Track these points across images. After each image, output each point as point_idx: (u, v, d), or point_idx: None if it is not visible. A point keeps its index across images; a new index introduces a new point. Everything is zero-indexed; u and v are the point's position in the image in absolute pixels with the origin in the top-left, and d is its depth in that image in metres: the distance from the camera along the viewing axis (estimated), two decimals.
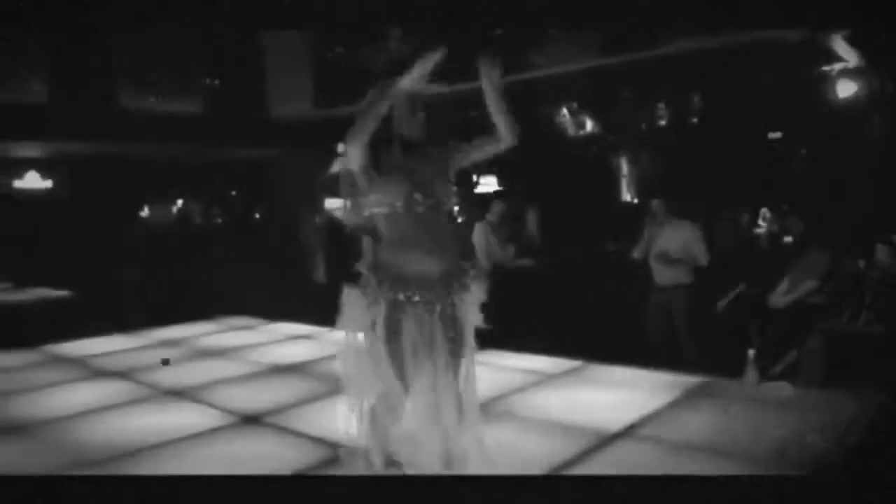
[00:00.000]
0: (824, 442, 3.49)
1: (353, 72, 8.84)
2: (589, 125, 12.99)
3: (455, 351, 2.71)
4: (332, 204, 10.46)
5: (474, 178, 13.71)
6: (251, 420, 4.19)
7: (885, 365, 4.99)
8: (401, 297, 2.64)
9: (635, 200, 14.24)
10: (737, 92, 8.84)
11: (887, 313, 5.41)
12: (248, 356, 5.95)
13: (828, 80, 6.44)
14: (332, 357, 5.58)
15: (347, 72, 8.85)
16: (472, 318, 2.76)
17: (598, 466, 3.28)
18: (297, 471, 3.36)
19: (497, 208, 7.79)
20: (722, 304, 6.17)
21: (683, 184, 10.91)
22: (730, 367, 4.94)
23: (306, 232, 10.37)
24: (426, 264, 2.65)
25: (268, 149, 8.82)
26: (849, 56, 6.03)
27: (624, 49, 7.66)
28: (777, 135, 10.59)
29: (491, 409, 4.02)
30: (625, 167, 15.00)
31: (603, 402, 4.28)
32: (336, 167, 8.97)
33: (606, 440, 3.60)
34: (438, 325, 2.65)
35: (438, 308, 2.67)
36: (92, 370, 5.59)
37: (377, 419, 2.74)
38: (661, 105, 12.16)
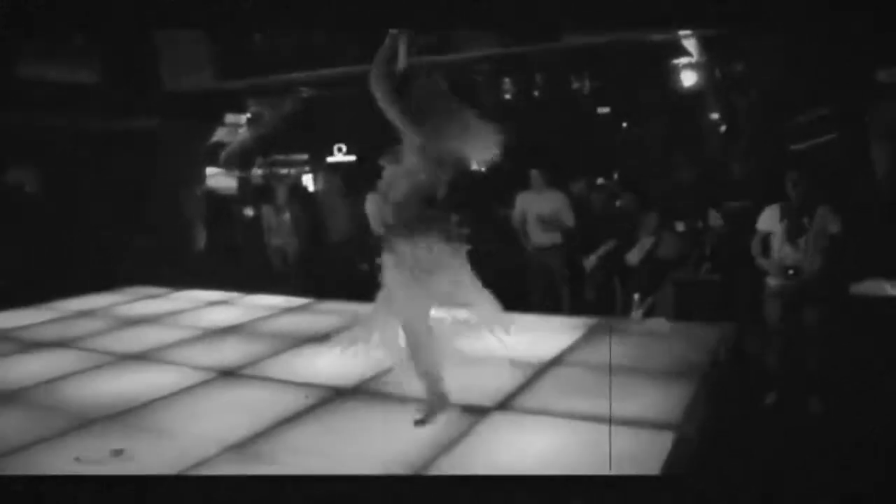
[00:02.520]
0: (703, 357, 4.62)
1: (256, 45, 9.05)
2: None
3: None
4: (213, 173, 10.60)
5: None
6: (229, 374, 4.65)
7: (722, 304, 6.37)
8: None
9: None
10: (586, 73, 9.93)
11: (723, 264, 6.79)
12: (180, 322, 6.25)
13: (675, 71, 7.77)
14: (263, 318, 6.17)
15: (250, 45, 9.04)
16: None
17: (546, 387, 4.15)
18: (285, 420, 3.78)
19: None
20: (590, 261, 7.29)
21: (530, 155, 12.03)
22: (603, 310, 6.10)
23: (188, 202, 10.41)
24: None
25: (154, 118, 8.84)
26: (694, 52, 7.33)
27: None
28: (606, 109, 11.91)
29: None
30: None
31: (527, 341, 5.15)
32: (220, 136, 9.47)
33: (544, 368, 4.50)
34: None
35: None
36: (25, 343, 5.63)
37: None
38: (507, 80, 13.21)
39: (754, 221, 5.24)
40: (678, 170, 7.37)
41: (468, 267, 3.51)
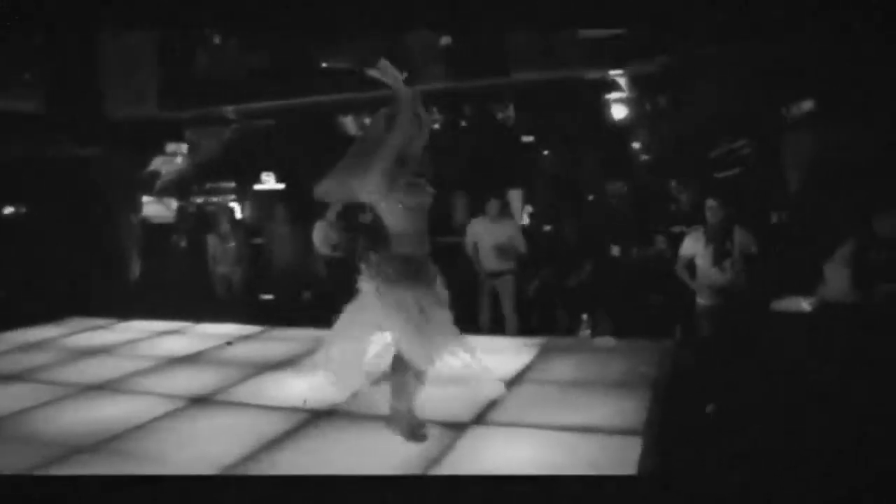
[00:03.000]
0: (650, 369, 5.01)
1: (199, 76, 9.10)
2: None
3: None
4: (149, 202, 10.47)
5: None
6: (200, 401, 4.71)
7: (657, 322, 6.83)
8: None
9: None
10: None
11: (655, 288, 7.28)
12: (135, 352, 6.21)
13: (606, 105, 8.33)
14: (219, 347, 6.21)
15: (193, 75, 9.09)
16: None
17: (514, 403, 4.41)
18: (272, 440, 3.91)
19: (335, 207, 8.63)
20: (533, 286, 7.66)
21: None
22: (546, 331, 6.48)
23: (123, 230, 10.27)
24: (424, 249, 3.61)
25: (94, 147, 8.74)
26: (625, 88, 7.91)
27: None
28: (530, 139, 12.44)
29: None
30: None
31: (487, 360, 5.45)
32: (156, 164, 9.55)
33: (508, 385, 4.77)
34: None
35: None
36: None
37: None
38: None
39: None
40: (614, 198, 7.88)
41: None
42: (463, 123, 13.28)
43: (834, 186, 6.26)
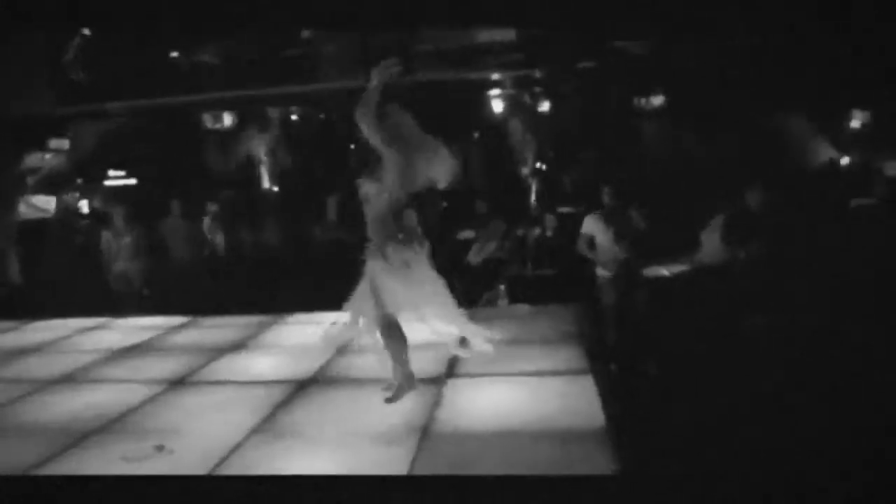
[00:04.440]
0: (568, 328, 5.94)
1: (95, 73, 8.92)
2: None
3: None
4: (38, 201, 10.04)
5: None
6: (179, 383, 5.03)
7: (553, 292, 7.84)
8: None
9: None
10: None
11: (551, 262, 8.30)
12: (73, 347, 6.27)
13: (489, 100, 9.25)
14: (159, 336, 6.44)
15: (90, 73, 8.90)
16: None
17: (472, 359, 5.12)
18: (275, 406, 4.42)
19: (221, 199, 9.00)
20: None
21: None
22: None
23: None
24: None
25: None
26: (506, 84, 8.87)
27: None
28: None
29: None
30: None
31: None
32: (32, 161, 9.73)
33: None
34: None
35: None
36: None
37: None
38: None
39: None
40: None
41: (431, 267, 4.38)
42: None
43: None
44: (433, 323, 4.30)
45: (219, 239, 9.70)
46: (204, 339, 6.32)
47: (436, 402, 4.29)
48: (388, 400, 4.34)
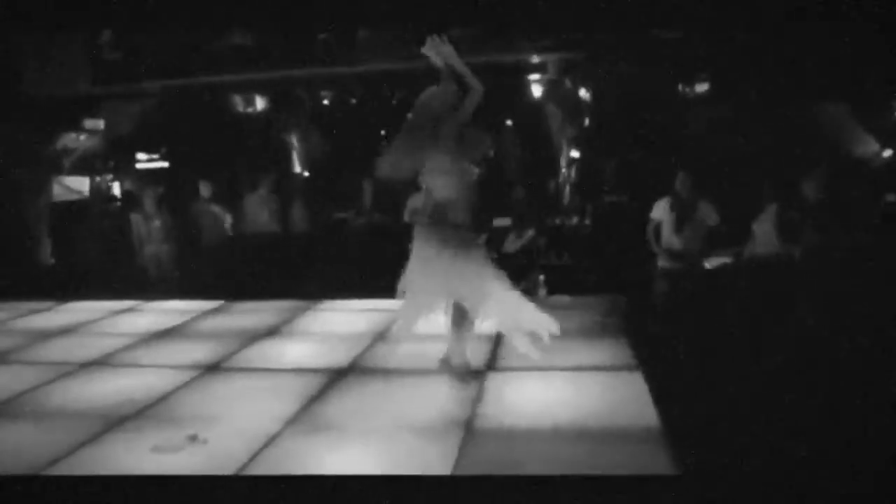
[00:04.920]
0: (611, 319, 5.72)
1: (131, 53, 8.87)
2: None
3: None
4: (66, 182, 10.03)
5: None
6: (213, 368, 4.91)
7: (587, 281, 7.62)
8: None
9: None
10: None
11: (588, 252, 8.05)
12: (104, 329, 6.20)
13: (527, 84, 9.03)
14: (192, 321, 6.34)
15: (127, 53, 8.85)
16: None
17: (512, 351, 4.89)
18: (311, 396, 4.25)
19: (265, 180, 8.85)
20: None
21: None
22: None
23: (30, 210, 9.85)
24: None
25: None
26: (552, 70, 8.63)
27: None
28: None
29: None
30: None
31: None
32: (66, 142, 9.55)
33: (495, 339, 5.31)
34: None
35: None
36: None
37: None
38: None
39: (627, 214, 6.50)
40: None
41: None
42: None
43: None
44: (497, 311, 4.11)
45: (262, 219, 9.42)
46: (237, 323, 6.21)
47: (477, 397, 4.11)
48: (442, 363, 4.35)
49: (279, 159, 11.13)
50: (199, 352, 5.30)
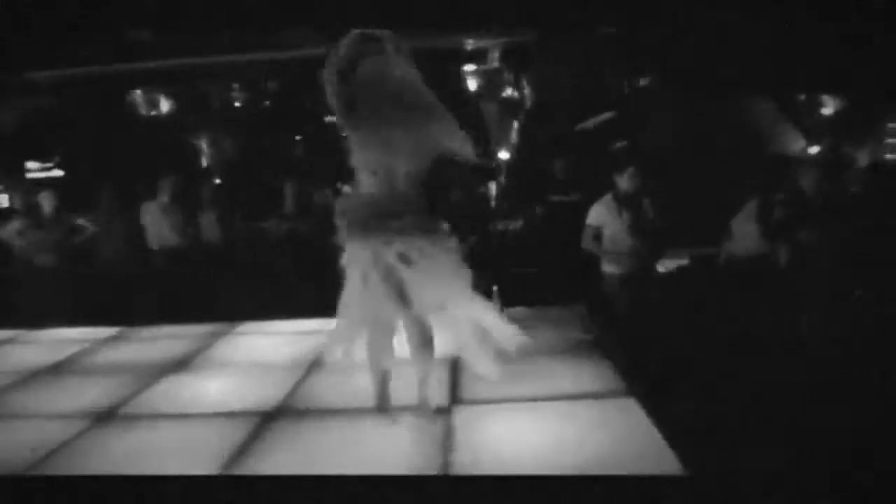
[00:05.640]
0: (579, 334, 5.05)
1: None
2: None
3: None
4: None
5: None
6: (106, 418, 3.92)
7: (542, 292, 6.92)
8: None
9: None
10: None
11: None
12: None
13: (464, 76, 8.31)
14: (83, 353, 5.29)
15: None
16: None
17: (475, 379, 4.17)
18: (236, 449, 3.38)
19: (167, 186, 7.77)
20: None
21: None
22: None
23: None
24: None
25: None
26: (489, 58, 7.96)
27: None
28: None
29: None
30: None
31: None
32: None
33: (452, 362, 4.54)
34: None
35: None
36: None
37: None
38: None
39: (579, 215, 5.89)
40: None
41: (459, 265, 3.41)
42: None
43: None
44: (455, 323, 3.35)
45: (163, 232, 8.29)
46: (138, 355, 5.20)
47: (447, 439, 3.33)
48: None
49: (184, 162, 10.01)
50: (91, 393, 4.31)
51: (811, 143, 8.15)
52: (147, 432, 3.66)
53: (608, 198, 5.53)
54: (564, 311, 5.68)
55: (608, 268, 5.61)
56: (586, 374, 4.12)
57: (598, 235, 5.59)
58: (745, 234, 5.25)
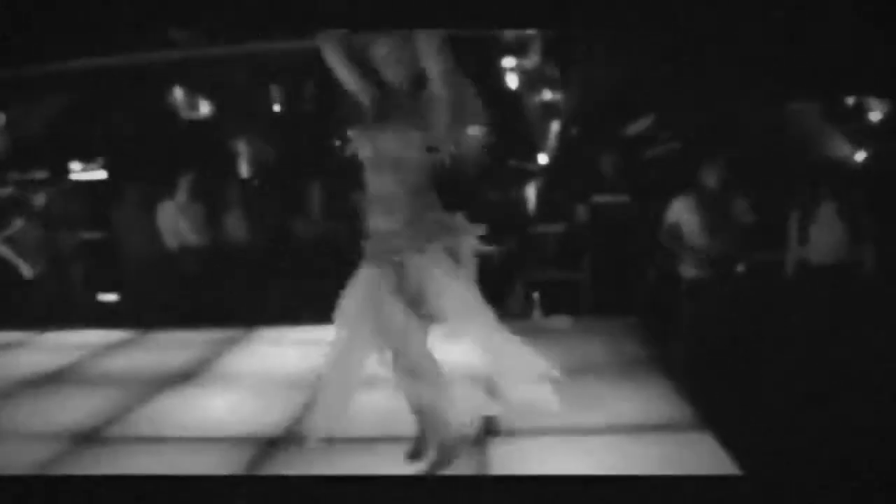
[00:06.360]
0: (635, 349, 4.42)
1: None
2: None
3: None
4: None
5: None
6: (91, 440, 3.43)
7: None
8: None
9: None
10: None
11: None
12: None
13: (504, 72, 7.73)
14: (88, 359, 4.83)
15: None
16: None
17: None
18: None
19: (185, 184, 7.28)
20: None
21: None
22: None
23: None
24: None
25: None
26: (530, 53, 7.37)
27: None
28: None
29: None
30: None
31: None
32: None
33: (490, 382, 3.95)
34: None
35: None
36: None
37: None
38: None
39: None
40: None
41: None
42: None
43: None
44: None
45: (181, 232, 7.83)
46: (144, 363, 4.72)
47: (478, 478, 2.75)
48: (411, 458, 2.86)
49: (206, 160, 9.56)
50: (85, 407, 3.83)
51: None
52: (125, 458, 3.14)
53: (693, 194, 4.86)
54: (616, 323, 5.06)
55: (687, 270, 4.93)
56: (647, 400, 3.49)
57: (677, 234, 4.92)
58: (827, 239, 4.55)
